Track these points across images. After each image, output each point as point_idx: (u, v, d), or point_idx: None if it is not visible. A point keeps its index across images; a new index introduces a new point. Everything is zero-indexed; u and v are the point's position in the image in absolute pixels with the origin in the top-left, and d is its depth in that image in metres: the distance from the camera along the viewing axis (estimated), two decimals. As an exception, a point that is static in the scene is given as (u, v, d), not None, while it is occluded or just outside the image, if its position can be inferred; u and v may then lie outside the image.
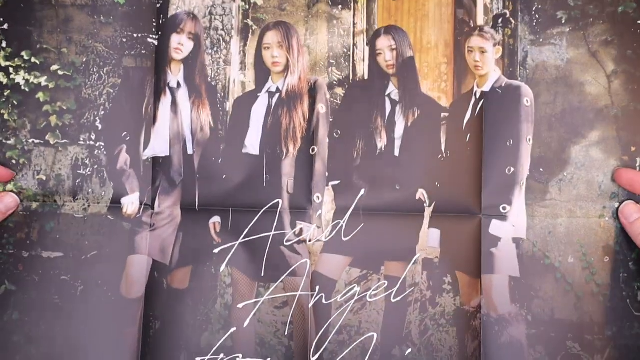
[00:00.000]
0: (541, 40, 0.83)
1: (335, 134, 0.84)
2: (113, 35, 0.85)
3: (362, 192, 0.82)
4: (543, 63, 0.83)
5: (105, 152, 0.83)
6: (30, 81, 0.84)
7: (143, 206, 0.82)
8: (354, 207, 0.82)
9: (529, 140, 0.82)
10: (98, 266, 0.81)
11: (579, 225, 0.81)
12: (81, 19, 0.85)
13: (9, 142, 0.83)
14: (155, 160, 0.83)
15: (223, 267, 0.82)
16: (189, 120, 0.84)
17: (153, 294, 0.81)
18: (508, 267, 0.80)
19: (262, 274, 0.81)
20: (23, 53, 0.84)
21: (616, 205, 0.81)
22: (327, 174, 0.83)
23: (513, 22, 0.84)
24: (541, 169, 0.82)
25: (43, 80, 0.84)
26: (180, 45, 0.85)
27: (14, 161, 0.83)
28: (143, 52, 0.84)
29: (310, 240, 0.82)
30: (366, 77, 0.85)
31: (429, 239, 0.82)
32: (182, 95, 0.85)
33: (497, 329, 0.79)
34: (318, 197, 0.82)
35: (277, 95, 0.85)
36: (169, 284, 0.82)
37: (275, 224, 0.81)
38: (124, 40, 0.84)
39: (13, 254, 0.82)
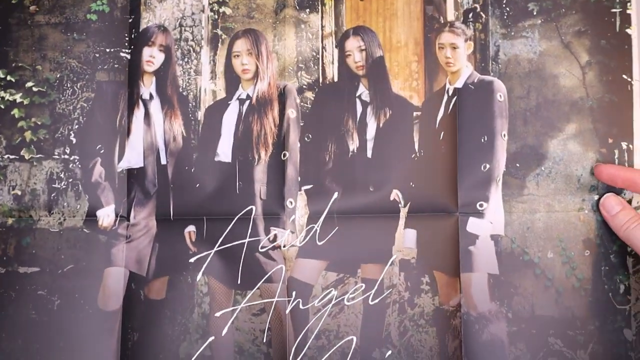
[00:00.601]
0: (513, 33, 0.82)
1: (306, 138, 0.83)
2: (86, 51, 0.86)
3: (336, 195, 0.81)
4: (515, 57, 0.82)
5: (79, 166, 0.84)
6: (6, 98, 0.85)
7: (119, 218, 0.82)
8: (328, 211, 0.81)
9: (504, 135, 0.81)
10: (75, 280, 0.82)
11: (557, 220, 0.79)
12: (55, 36, 0.86)
13: (-17, 159, 0.85)
14: (129, 172, 0.83)
15: (199, 276, 0.82)
16: (162, 130, 0.85)
17: (131, 306, 0.81)
18: (487, 264, 0.79)
19: (239, 282, 0.81)
20: (-1, 72, 0.85)
21: (596, 197, 0.79)
22: (299, 178, 0.82)
23: (484, 16, 0.83)
24: (517, 164, 0.80)
25: (18, 97, 0.85)
26: (152, 57, 0.85)
27: (-12, 177, 0.84)
28: (116, 66, 0.85)
29: (284, 246, 0.81)
30: (336, 79, 0.85)
31: (405, 239, 0.81)
32: (155, 106, 0.85)
33: (477, 328, 0.78)
34: (291, 202, 0.82)
35: (248, 102, 0.85)
36: (146, 295, 0.82)
37: (249, 231, 0.81)
38: (97, 55, 0.85)
39: (-10, 270, 0.83)
